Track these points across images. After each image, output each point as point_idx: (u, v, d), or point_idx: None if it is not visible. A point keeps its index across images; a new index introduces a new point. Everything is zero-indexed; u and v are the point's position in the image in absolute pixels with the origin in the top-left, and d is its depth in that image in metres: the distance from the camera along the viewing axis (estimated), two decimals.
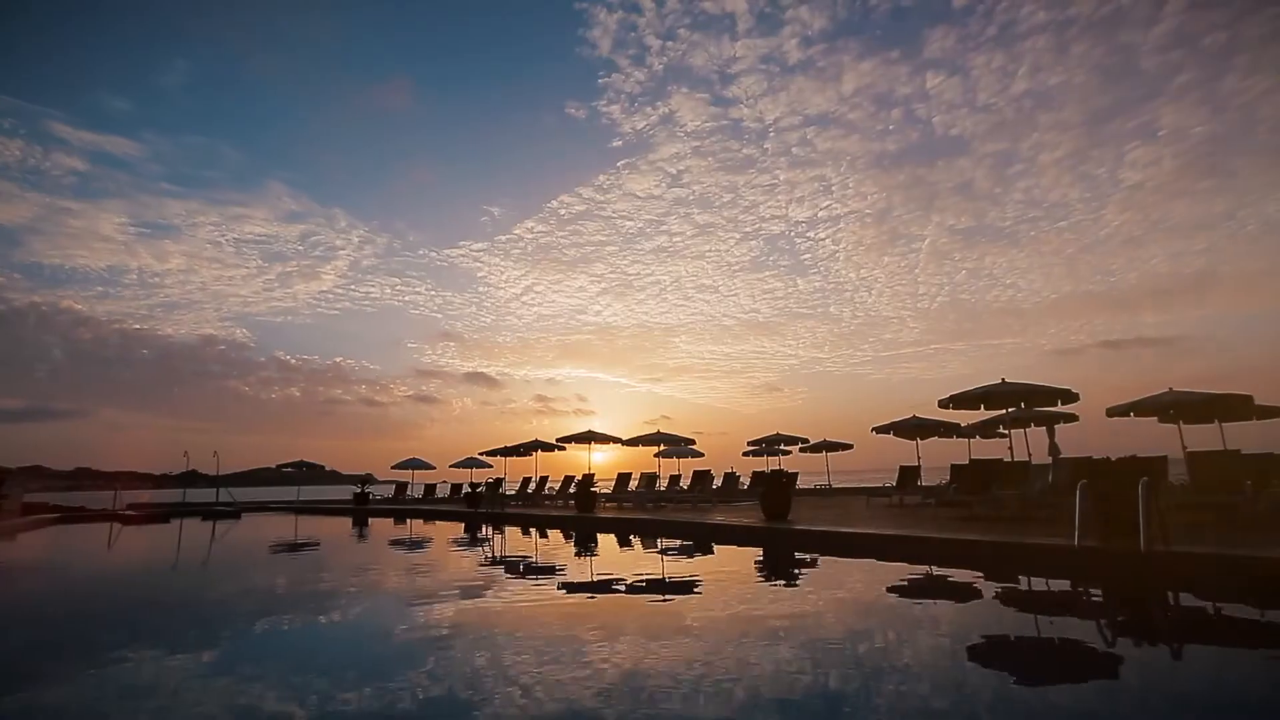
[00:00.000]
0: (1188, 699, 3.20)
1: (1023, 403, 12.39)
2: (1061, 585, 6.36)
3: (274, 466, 28.72)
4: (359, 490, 24.98)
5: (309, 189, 77.07)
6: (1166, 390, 11.59)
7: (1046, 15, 45.46)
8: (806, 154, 63.62)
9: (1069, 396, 11.69)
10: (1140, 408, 11.86)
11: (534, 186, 78.30)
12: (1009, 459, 12.69)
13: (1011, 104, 52.73)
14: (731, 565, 8.63)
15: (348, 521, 19.44)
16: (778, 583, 7.18)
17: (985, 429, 17.23)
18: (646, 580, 7.26)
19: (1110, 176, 55.85)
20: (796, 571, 7.78)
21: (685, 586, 6.75)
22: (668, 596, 6.19)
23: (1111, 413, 12.00)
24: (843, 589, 6.51)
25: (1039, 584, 6.42)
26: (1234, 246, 55.54)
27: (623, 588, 6.73)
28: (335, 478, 41.60)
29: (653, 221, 74.63)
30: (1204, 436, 12.88)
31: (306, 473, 27.53)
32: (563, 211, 74.20)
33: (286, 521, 19.46)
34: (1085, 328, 73.28)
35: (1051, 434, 15.16)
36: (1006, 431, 15.08)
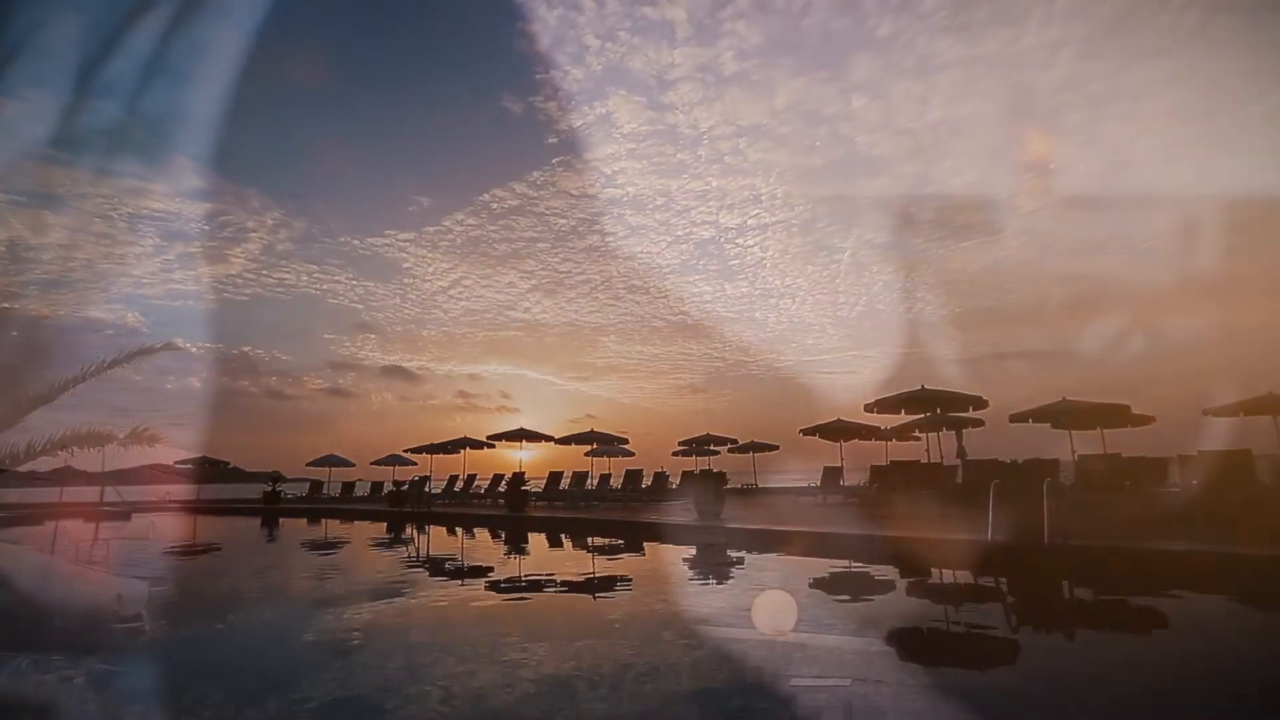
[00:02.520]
0: (1079, 672, 3.57)
1: (939, 407, 13.24)
2: (977, 577, 6.86)
3: (170, 463, 26.34)
4: (270, 488, 23.40)
5: (218, 165, 71.04)
6: (1060, 399, 12.73)
7: (960, 51, 49.27)
8: (738, 163, 65.35)
9: (979, 403, 12.60)
10: (1039, 415, 12.95)
11: (466, 179, 75.49)
12: (925, 460, 13.50)
13: (927, 130, 56.64)
14: (674, 563, 8.73)
15: (256, 522, 18.19)
16: (716, 579, 7.33)
17: (901, 432, 18.26)
18: (617, 579, 7.22)
19: (1009, 203, 61.12)
20: (734, 567, 7.97)
21: (652, 584, 6.77)
22: (629, 592, 6.19)
23: (1014, 419, 13.03)
24: (782, 582, 6.73)
25: (953, 576, 6.89)
26: (1109, 272, 62.25)
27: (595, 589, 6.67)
28: (239, 475, 38.59)
29: (585, 220, 74.29)
30: (1086, 441, 14.28)
31: (208, 469, 25.48)
32: (494, 205, 72.34)
33: (185, 522, 17.97)
34: (981, 340, 79.47)
35: (959, 438, 16.30)
36: (921, 435, 16.06)
